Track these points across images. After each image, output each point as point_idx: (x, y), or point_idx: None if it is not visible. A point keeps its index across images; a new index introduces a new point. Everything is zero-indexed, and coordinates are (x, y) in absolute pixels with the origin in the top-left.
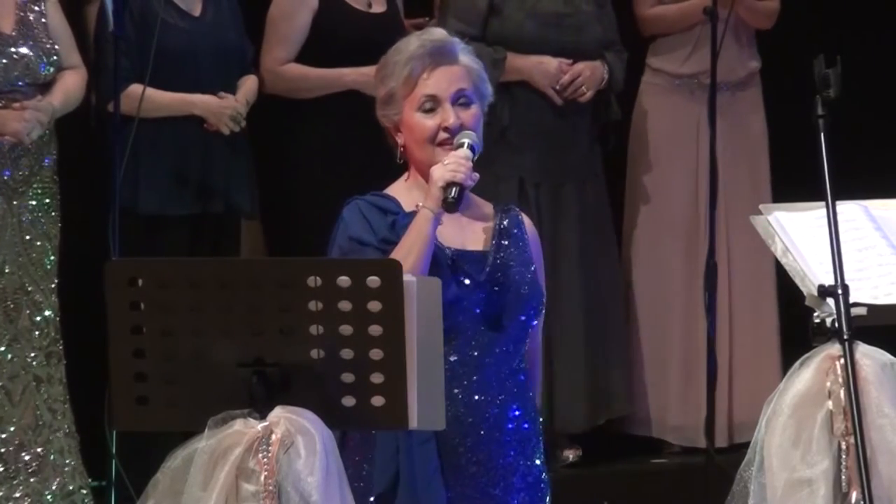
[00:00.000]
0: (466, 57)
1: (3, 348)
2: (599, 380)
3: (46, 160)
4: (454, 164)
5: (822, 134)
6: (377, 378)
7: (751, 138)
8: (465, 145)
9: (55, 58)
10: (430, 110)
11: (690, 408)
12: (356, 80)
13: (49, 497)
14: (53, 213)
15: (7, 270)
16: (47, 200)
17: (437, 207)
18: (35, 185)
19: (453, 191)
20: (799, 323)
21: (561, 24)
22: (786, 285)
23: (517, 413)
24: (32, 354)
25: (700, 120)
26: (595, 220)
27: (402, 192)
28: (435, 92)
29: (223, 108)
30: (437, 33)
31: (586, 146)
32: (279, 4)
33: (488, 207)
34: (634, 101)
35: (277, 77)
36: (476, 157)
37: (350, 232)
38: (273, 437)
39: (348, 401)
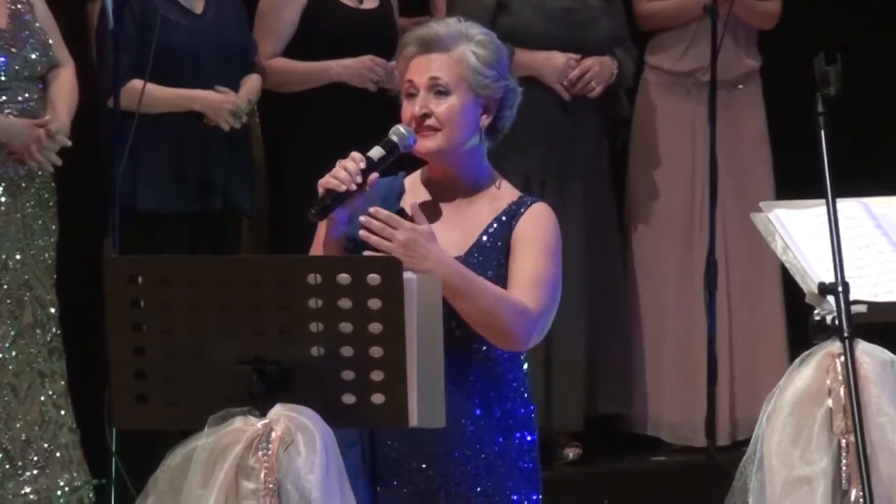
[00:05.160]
0: (467, 47)
1: (8, 345)
2: (599, 378)
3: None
4: (335, 170)
5: (823, 131)
6: (377, 375)
7: (748, 136)
8: (384, 142)
9: (50, 50)
10: (411, 96)
11: (688, 406)
12: (341, 72)
13: (58, 492)
14: (51, 207)
15: (11, 266)
16: (46, 195)
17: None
18: (36, 180)
19: (320, 198)
20: (803, 320)
21: (569, 20)
22: (790, 282)
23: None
24: (36, 351)
25: (696, 118)
26: (600, 217)
27: (413, 183)
28: (412, 78)
29: (223, 103)
30: (442, 23)
31: (592, 143)
32: None
33: (503, 201)
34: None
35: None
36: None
37: None
38: (273, 434)
39: (348, 398)
